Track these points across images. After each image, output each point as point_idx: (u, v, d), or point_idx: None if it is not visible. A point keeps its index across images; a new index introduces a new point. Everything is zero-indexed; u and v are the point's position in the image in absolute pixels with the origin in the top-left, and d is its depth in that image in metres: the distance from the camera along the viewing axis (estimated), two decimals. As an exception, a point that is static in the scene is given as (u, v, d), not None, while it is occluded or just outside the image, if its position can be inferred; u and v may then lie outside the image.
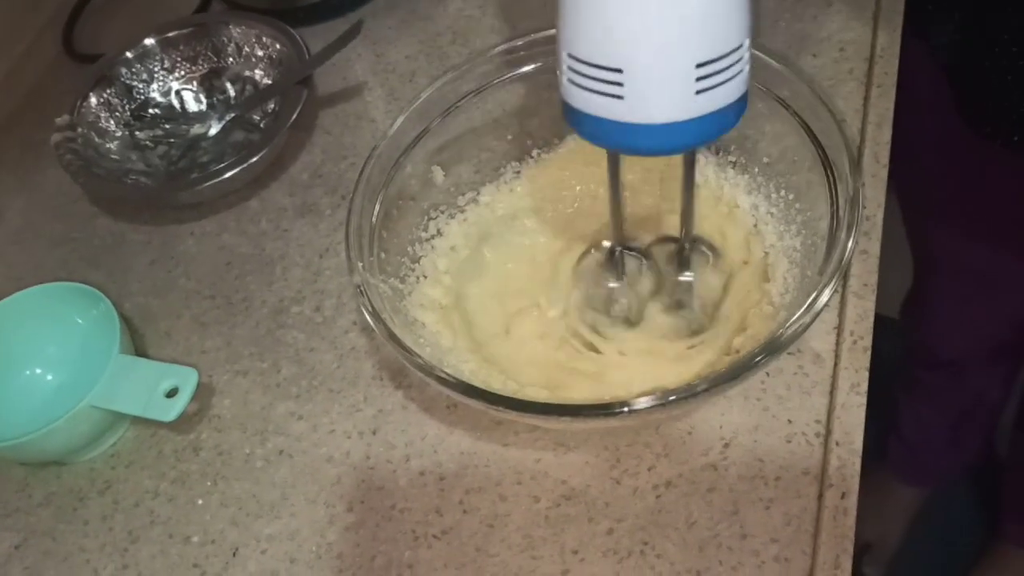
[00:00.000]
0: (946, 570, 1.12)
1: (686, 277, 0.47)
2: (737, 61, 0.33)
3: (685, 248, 0.46)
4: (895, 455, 1.04)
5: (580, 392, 0.46)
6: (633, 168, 0.51)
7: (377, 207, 0.47)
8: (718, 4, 0.32)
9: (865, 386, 0.47)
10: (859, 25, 0.63)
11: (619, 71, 0.33)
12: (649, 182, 0.52)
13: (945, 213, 0.77)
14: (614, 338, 0.48)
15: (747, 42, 0.34)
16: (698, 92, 0.33)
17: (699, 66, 0.32)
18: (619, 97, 0.33)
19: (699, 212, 0.50)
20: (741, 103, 0.35)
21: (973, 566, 1.06)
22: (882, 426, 1.02)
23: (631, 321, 0.48)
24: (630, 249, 0.47)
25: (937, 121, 0.71)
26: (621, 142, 0.36)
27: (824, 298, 0.38)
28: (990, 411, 0.99)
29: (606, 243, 0.48)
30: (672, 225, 0.47)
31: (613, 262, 0.47)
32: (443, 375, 0.39)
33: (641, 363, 0.47)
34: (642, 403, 0.37)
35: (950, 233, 0.78)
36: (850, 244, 0.39)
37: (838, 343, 0.49)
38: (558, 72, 0.36)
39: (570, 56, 0.34)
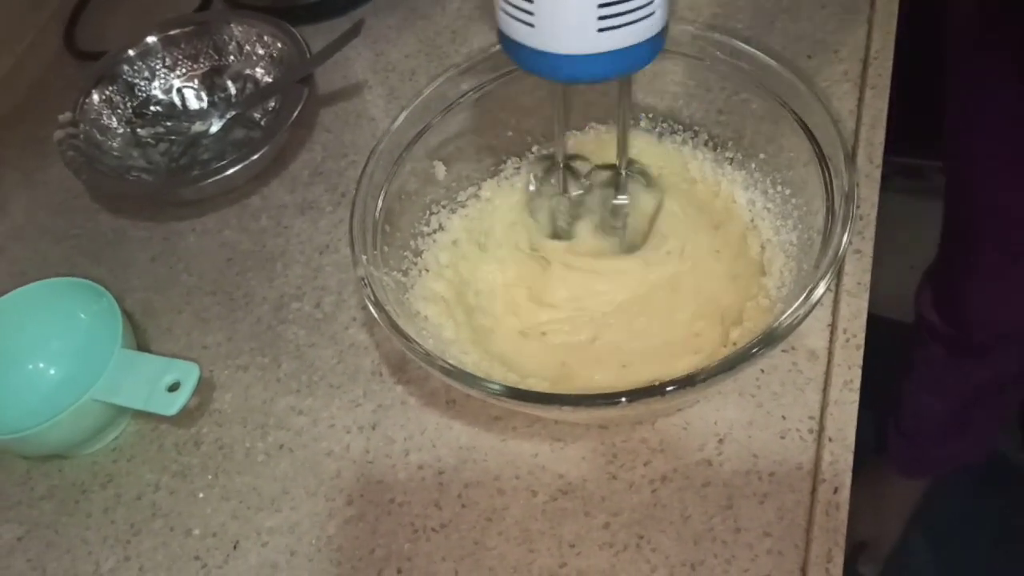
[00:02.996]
0: (941, 568, 1.12)
1: (620, 200, 0.50)
2: (644, 5, 0.35)
3: (621, 174, 0.49)
4: (894, 448, 1.04)
5: (579, 386, 0.47)
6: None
7: (380, 202, 0.47)
8: None
9: (858, 383, 0.48)
10: (854, 27, 0.63)
11: (530, 0, 0.35)
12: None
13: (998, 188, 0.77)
14: (551, 249, 0.52)
15: None
16: (600, 30, 0.35)
17: (601, 6, 0.35)
18: (531, 25, 0.36)
19: (691, 202, 0.53)
20: (653, 43, 0.37)
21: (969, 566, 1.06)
22: (879, 419, 1.02)
23: (564, 233, 0.52)
24: (572, 164, 0.51)
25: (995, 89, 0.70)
26: (534, 67, 0.38)
27: (820, 290, 0.39)
28: (1001, 397, 0.99)
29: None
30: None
31: (555, 175, 0.51)
32: (446, 365, 0.40)
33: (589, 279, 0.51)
34: (641, 393, 0.38)
35: (1003, 208, 0.78)
36: (845, 237, 0.40)
37: (831, 341, 0.49)
38: None
39: None
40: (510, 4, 0.36)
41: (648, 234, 0.51)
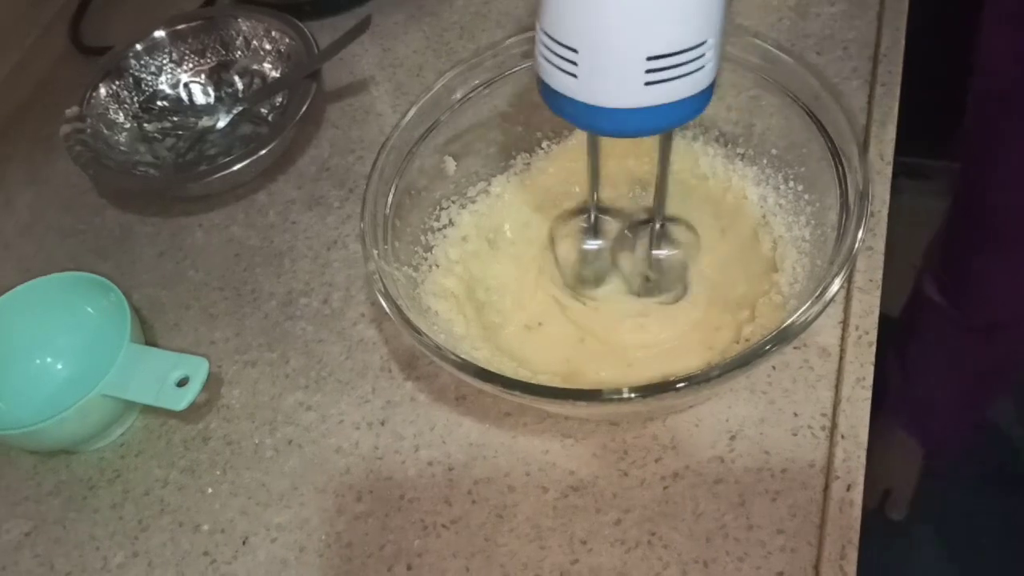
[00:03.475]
0: (964, 503, 1.14)
1: (656, 253, 0.48)
2: (696, 58, 0.33)
3: (657, 226, 0.47)
4: (906, 416, 1.03)
5: (591, 381, 0.47)
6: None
7: (390, 197, 0.47)
8: (672, 1, 0.32)
9: (870, 380, 0.48)
10: (863, 24, 0.63)
11: (574, 51, 0.33)
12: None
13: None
14: (574, 311, 0.50)
15: (711, 40, 0.33)
16: (648, 84, 0.33)
17: (650, 59, 0.33)
18: (574, 76, 0.34)
19: (702, 199, 0.52)
20: (702, 97, 0.35)
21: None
22: (894, 387, 1.02)
23: (596, 282, 0.50)
24: (604, 213, 0.49)
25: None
26: (575, 119, 0.36)
27: (835, 287, 0.38)
28: (1007, 375, 0.99)
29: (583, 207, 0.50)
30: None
31: (588, 225, 0.49)
32: (457, 358, 0.40)
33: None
34: (654, 389, 0.37)
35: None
36: (860, 234, 0.39)
37: (843, 337, 0.49)
38: (535, 44, 0.36)
39: (540, 28, 0.35)
40: (552, 52, 0.34)
41: (683, 286, 0.49)
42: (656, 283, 0.49)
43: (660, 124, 0.36)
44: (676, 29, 0.32)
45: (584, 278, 0.50)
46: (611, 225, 0.49)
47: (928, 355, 0.97)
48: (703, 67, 0.34)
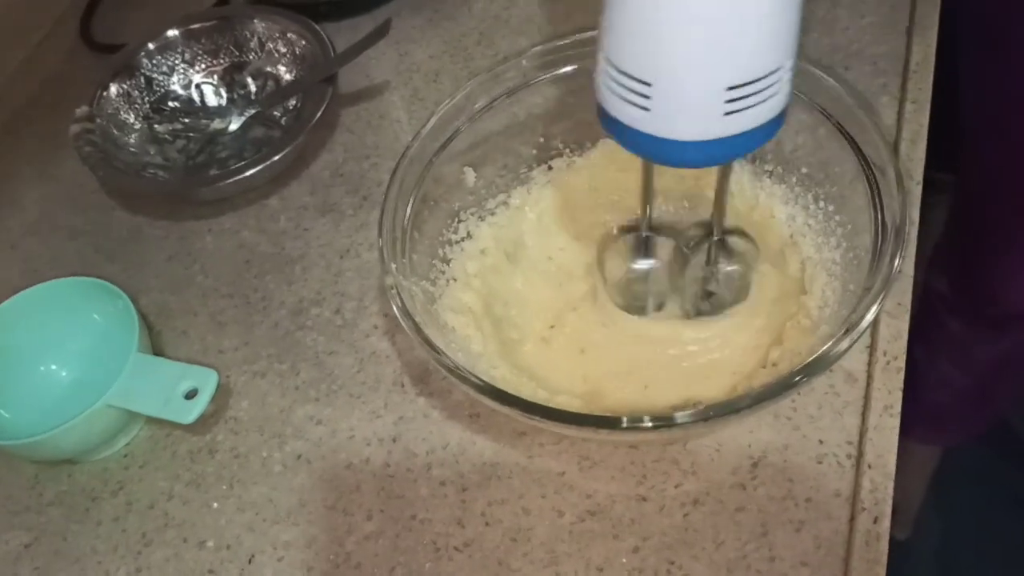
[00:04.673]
0: (969, 522, 1.13)
1: (714, 269, 0.46)
2: (772, 84, 0.32)
3: (714, 241, 0.45)
4: (911, 418, 1.03)
5: (613, 402, 0.45)
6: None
7: (409, 208, 0.46)
8: (752, 29, 0.31)
9: (899, 408, 0.46)
10: (892, 39, 0.62)
11: (648, 84, 0.32)
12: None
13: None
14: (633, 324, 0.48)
15: (788, 63, 0.32)
16: (727, 114, 0.32)
17: (730, 89, 0.31)
18: (646, 109, 0.33)
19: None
20: (776, 122, 0.34)
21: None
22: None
23: (653, 307, 0.48)
24: (657, 233, 0.47)
25: None
26: (646, 151, 0.35)
27: (869, 317, 0.37)
28: (1019, 369, 0.97)
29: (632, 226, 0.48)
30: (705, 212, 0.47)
31: (639, 246, 0.47)
32: (477, 380, 0.39)
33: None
34: (682, 417, 0.36)
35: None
36: (896, 264, 0.38)
37: (871, 363, 0.48)
38: (595, 73, 0.35)
39: (606, 59, 0.33)
40: (621, 86, 0.33)
41: (741, 298, 0.48)
42: (719, 297, 0.47)
43: (733, 153, 0.34)
44: (755, 58, 0.31)
45: (637, 297, 0.48)
46: (663, 244, 0.47)
47: (938, 354, 0.96)
48: (780, 92, 0.33)
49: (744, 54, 0.31)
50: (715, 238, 0.45)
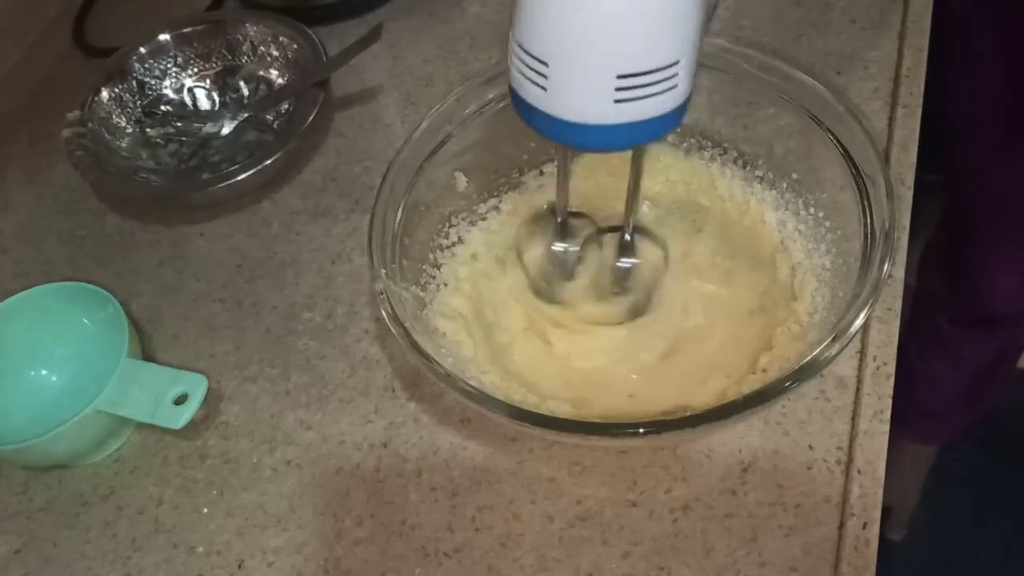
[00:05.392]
0: (964, 522, 1.14)
1: (624, 263, 0.47)
2: (667, 78, 0.33)
3: (626, 236, 0.46)
4: (905, 417, 1.03)
5: (603, 407, 0.45)
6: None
7: (399, 213, 0.46)
8: (644, 20, 0.31)
9: (888, 414, 0.46)
10: (884, 43, 0.62)
11: (545, 64, 0.33)
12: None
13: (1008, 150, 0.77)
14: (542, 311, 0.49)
15: (683, 60, 0.33)
16: (617, 101, 0.33)
17: (620, 77, 0.32)
18: (544, 89, 0.34)
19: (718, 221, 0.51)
20: (674, 115, 0.35)
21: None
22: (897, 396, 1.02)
23: (550, 290, 0.49)
24: (571, 221, 0.48)
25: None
26: (543, 129, 0.36)
27: (858, 323, 0.37)
28: (1011, 364, 0.98)
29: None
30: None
31: (557, 230, 0.48)
32: (466, 387, 0.39)
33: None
34: (671, 423, 0.36)
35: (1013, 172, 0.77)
36: (885, 269, 0.38)
37: (861, 368, 0.48)
38: (508, 55, 0.36)
39: (513, 39, 0.34)
40: (524, 64, 0.34)
41: (651, 298, 0.49)
42: (620, 293, 0.48)
43: (628, 141, 0.35)
44: (647, 48, 0.32)
45: (551, 277, 0.49)
46: (581, 230, 0.49)
47: (929, 354, 0.97)
48: (674, 87, 0.33)
49: (636, 44, 0.32)
50: (626, 234, 0.46)
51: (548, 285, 0.49)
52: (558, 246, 0.48)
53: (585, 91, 0.33)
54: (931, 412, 1.03)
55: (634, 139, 0.35)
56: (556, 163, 0.44)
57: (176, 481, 0.51)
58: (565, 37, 0.32)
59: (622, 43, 0.32)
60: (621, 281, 0.48)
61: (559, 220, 0.47)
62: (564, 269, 0.49)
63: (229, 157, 0.66)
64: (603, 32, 0.31)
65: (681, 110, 0.35)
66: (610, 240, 0.48)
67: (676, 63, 0.32)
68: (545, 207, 0.51)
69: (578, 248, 0.48)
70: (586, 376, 0.47)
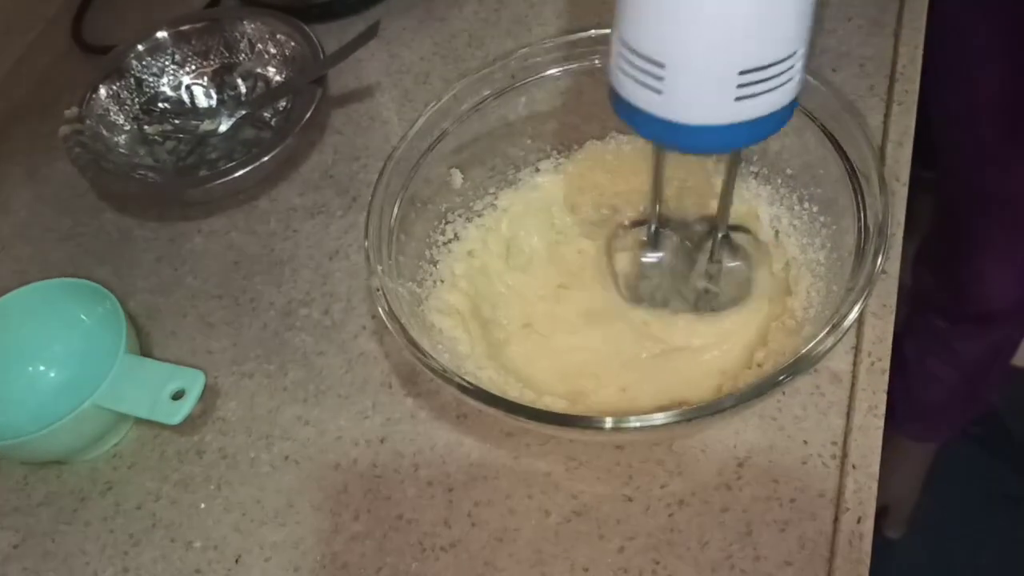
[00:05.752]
0: (962, 520, 1.15)
1: (716, 264, 0.47)
2: (786, 70, 0.32)
3: (718, 237, 0.46)
4: (903, 415, 1.03)
5: (599, 402, 0.45)
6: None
7: (395, 210, 0.46)
8: (768, 12, 0.30)
9: (883, 409, 0.46)
10: (880, 41, 0.62)
11: (661, 66, 0.32)
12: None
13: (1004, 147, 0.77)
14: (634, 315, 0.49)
15: (801, 50, 0.32)
16: (738, 99, 0.32)
17: (742, 73, 0.31)
18: (658, 92, 0.33)
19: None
20: (787, 109, 0.34)
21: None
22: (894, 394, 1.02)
23: (658, 300, 0.48)
24: (666, 228, 0.47)
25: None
26: (656, 135, 0.35)
27: (852, 317, 0.37)
28: (1007, 361, 0.99)
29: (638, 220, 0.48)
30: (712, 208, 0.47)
31: (649, 239, 0.47)
32: (462, 382, 0.39)
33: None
34: (662, 418, 0.36)
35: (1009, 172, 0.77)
36: (879, 264, 0.38)
37: (855, 363, 0.48)
38: (609, 57, 0.35)
39: (621, 41, 0.33)
40: (635, 67, 0.32)
41: (747, 295, 0.48)
42: (720, 295, 0.47)
43: (746, 139, 0.34)
44: (769, 42, 0.31)
45: (642, 290, 0.49)
46: (667, 239, 0.48)
47: (925, 351, 0.97)
48: (793, 78, 0.32)
49: (758, 38, 0.31)
50: (720, 234, 0.45)
51: (639, 301, 0.49)
52: (649, 256, 0.48)
53: (705, 91, 0.32)
54: (928, 410, 1.03)
55: (752, 137, 0.34)
56: (652, 169, 0.42)
57: (174, 476, 0.51)
58: (686, 35, 0.31)
59: (747, 38, 0.31)
60: (716, 284, 0.47)
61: (651, 229, 0.46)
62: (652, 282, 0.48)
63: (227, 154, 0.67)
64: (728, 27, 0.30)
65: (795, 101, 0.34)
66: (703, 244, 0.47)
67: (795, 53, 0.32)
68: (627, 223, 0.50)
69: (668, 256, 0.48)
70: (582, 371, 0.48)
